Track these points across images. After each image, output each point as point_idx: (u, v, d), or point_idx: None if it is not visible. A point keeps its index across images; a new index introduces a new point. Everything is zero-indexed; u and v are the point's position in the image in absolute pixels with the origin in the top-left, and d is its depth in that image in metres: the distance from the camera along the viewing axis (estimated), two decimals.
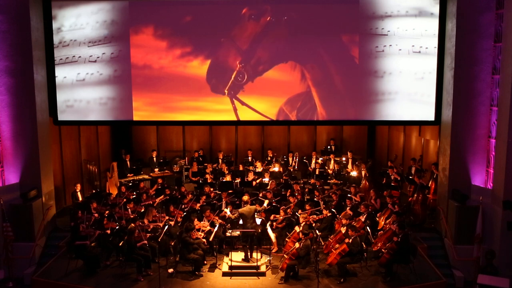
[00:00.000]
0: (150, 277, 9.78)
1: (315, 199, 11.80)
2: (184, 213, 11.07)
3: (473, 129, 10.81)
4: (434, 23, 11.24)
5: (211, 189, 12.43)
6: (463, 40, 10.61)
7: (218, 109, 12.01)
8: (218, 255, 10.61)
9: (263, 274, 9.85)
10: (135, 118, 12.08)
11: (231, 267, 9.95)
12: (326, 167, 14.36)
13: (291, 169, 14.34)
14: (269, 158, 14.85)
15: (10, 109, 11.00)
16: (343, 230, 9.94)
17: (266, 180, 13.16)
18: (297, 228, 10.01)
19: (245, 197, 10.38)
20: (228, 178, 13.30)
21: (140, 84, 11.86)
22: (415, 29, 11.31)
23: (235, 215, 10.33)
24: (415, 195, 11.75)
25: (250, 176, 13.30)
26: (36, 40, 11.12)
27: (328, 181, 13.44)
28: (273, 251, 10.48)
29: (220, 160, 14.71)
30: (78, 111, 11.93)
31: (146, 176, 14.26)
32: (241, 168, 13.97)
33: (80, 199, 12.13)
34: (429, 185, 12.33)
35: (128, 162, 14.43)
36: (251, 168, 14.13)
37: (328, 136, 16.46)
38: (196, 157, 14.72)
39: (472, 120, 10.79)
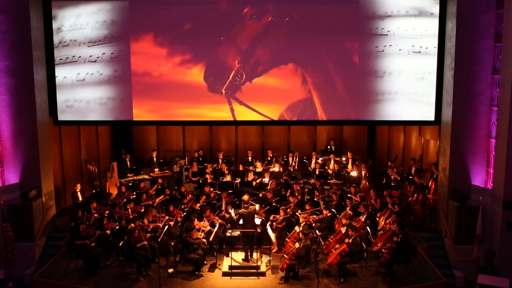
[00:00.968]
0: (150, 277, 9.78)
1: (315, 199, 11.80)
2: (184, 213, 11.07)
3: (473, 129, 10.81)
4: (434, 23, 11.24)
5: (211, 189, 12.43)
6: (463, 40, 10.60)
7: (218, 116, 12.02)
8: (218, 255, 10.61)
9: (263, 274, 9.85)
10: (135, 119, 12.09)
11: (231, 267, 9.95)
12: (326, 167, 14.36)
13: (291, 169, 14.34)
14: (269, 158, 14.85)
15: (10, 109, 11.00)
16: (343, 230, 9.94)
17: (266, 180, 13.16)
18: (297, 228, 10.01)
19: (245, 197, 10.37)
20: (228, 178, 13.30)
21: (140, 91, 11.86)
22: (415, 29, 11.31)
23: (236, 216, 10.31)
24: (415, 195, 11.75)
25: (250, 176, 13.30)
26: (36, 40, 11.12)
27: (328, 181, 13.44)
28: (273, 251, 10.48)
29: (220, 160, 14.71)
30: (78, 111, 11.93)
31: (146, 176, 14.26)
32: (241, 168, 13.97)
33: (80, 199, 12.13)
34: (429, 185, 12.33)
35: (128, 162, 14.43)
36: (251, 168, 14.13)
37: (328, 136, 16.46)
38: (196, 157, 14.72)
39: (472, 120, 10.79)
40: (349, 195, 11.64)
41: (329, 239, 10.21)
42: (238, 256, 10.31)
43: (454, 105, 10.82)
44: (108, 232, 10.39)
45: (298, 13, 11.51)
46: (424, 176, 12.27)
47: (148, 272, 9.89)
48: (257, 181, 13.26)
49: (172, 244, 10.35)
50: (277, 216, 11.01)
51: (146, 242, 9.83)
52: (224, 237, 10.74)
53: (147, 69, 11.80)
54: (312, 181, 13.54)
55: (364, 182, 13.09)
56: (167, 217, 10.83)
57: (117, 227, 10.41)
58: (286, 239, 10.12)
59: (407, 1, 11.28)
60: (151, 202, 11.72)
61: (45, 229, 11.43)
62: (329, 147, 15.56)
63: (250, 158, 14.67)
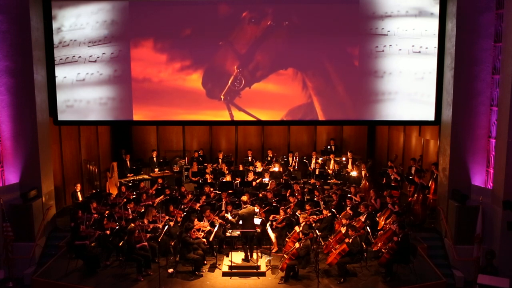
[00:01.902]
0: (150, 277, 9.78)
1: (315, 199, 11.81)
2: (184, 213, 11.07)
3: (473, 129, 10.81)
4: (434, 23, 11.24)
5: (211, 189, 12.43)
6: (463, 40, 10.60)
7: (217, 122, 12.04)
8: (218, 255, 10.61)
9: (263, 274, 9.85)
10: (135, 119, 12.08)
11: (231, 267, 9.95)
12: (326, 167, 14.36)
13: (291, 169, 14.34)
14: (269, 158, 14.85)
15: (10, 109, 11.00)
16: (343, 230, 9.94)
17: (266, 180, 13.16)
18: (297, 228, 10.01)
19: (245, 197, 10.37)
20: (228, 178, 13.30)
21: (140, 97, 11.85)
22: (415, 29, 11.31)
23: (235, 218, 10.30)
24: (415, 195, 11.75)
25: (250, 176, 13.30)
26: (36, 40, 11.12)
27: (328, 181, 13.45)
28: (273, 251, 10.48)
29: (220, 160, 14.71)
30: (78, 111, 11.93)
31: (146, 176, 14.26)
32: (241, 168, 13.96)
33: (80, 199, 12.13)
34: (429, 185, 12.32)
35: (128, 162, 14.43)
36: (251, 168, 14.13)
37: (328, 136, 16.46)
38: (196, 157, 14.72)
39: (472, 120, 10.79)
40: (349, 195, 11.64)
41: (329, 239, 10.21)
42: (238, 256, 10.31)
43: (454, 105, 10.82)
44: (108, 232, 10.39)
45: (297, 15, 11.48)
46: (424, 176, 12.27)
47: (148, 272, 9.89)
48: (257, 181, 13.26)
49: (172, 244, 10.35)
50: (277, 216, 11.01)
51: (146, 242, 9.83)
52: (224, 237, 10.73)
53: (147, 75, 11.79)
54: (312, 181, 13.54)
55: (364, 182, 13.09)
56: (167, 217, 10.83)
57: (117, 227, 10.41)
58: (286, 239, 10.12)
59: (407, 1, 11.28)
60: (151, 202, 11.72)
61: (45, 229, 11.43)
62: (329, 147, 15.56)
63: (250, 158, 14.67)
